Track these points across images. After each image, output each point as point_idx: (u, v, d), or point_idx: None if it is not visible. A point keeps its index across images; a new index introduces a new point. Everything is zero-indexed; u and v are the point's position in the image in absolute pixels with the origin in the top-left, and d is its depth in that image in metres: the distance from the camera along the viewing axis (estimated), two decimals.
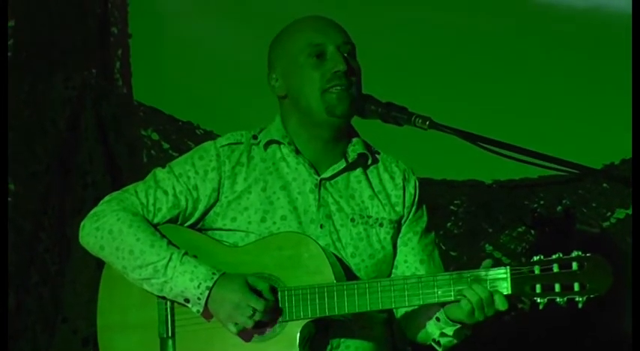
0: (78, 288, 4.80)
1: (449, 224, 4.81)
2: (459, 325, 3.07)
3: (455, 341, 3.14)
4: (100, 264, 3.28)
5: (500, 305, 2.98)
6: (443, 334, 3.12)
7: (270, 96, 3.33)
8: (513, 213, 4.82)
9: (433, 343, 3.18)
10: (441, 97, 4.74)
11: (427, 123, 3.08)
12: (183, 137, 4.94)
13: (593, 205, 4.76)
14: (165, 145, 4.99)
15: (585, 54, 4.78)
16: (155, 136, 5.01)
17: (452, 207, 4.83)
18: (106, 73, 5.05)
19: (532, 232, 4.78)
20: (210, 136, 4.65)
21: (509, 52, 4.84)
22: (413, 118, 3.10)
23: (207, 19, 5.07)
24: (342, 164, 3.25)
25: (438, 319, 3.11)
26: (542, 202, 4.82)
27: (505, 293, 2.98)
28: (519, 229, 4.81)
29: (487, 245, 4.83)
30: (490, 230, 4.84)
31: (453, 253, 4.76)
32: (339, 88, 3.16)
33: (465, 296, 2.98)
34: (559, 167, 2.97)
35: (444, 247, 3.30)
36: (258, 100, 3.68)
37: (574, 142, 4.61)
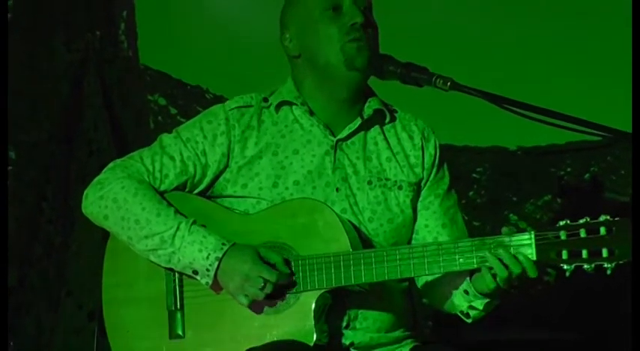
0: (83, 260, 4.83)
1: (471, 193, 4.82)
2: (488, 299, 3.08)
3: (484, 313, 3.14)
4: (105, 235, 3.28)
5: (531, 273, 2.97)
6: (472, 307, 3.13)
7: (283, 58, 3.33)
8: (539, 181, 4.82)
9: (461, 315, 3.18)
10: (463, 58, 4.74)
11: (449, 84, 3.04)
12: (192, 102, 4.96)
13: (622, 172, 4.77)
14: (173, 111, 5.02)
15: (620, 17, 4.75)
16: (162, 102, 5.03)
17: (474, 175, 4.84)
18: (111, 35, 5.05)
19: (558, 200, 4.80)
20: (220, 100, 4.55)
21: (539, 13, 4.83)
22: (434, 79, 3.06)
23: None
24: (357, 122, 3.24)
25: (466, 292, 3.10)
26: (569, 170, 4.83)
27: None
28: (545, 198, 4.82)
29: (511, 215, 4.83)
30: (515, 199, 4.83)
31: (475, 223, 4.78)
32: (357, 39, 3.17)
33: (487, 266, 2.97)
34: (589, 130, 2.94)
35: (466, 217, 3.32)
36: (270, 63, 3.68)
37: (603, 106, 4.59)
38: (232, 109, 3.26)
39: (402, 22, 4.66)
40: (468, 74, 3.28)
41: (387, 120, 3.29)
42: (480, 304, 3.10)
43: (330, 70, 3.20)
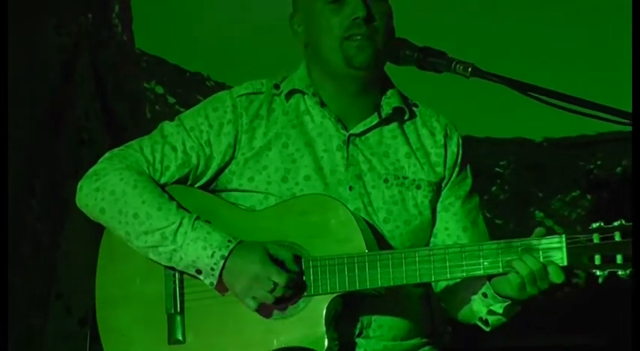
0: (74, 260, 4.79)
1: (494, 188, 4.80)
2: (509, 301, 3.00)
3: (504, 319, 3.07)
4: (98, 233, 3.23)
5: (556, 277, 2.90)
6: (491, 312, 3.06)
7: (291, 42, 3.26)
8: (567, 175, 4.78)
9: (479, 322, 3.11)
10: (485, 43, 4.70)
11: (469, 70, 2.98)
12: (192, 90, 4.95)
13: None
14: (171, 100, 5.00)
15: None
16: (159, 90, 5.02)
17: (497, 168, 4.81)
18: (104, 18, 5.02)
19: (588, 196, 4.75)
20: (222, 88, 4.59)
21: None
22: (453, 65, 3.01)
23: None
24: (374, 119, 3.19)
25: (484, 295, 3.03)
26: (599, 163, 4.80)
27: (560, 265, 2.90)
28: (573, 194, 4.78)
29: (537, 212, 4.80)
30: (540, 195, 4.80)
31: (498, 221, 4.73)
32: (358, 37, 3.10)
33: (513, 268, 2.90)
34: (621, 120, 2.85)
35: (488, 215, 3.33)
36: (276, 47, 3.65)
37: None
38: (241, 95, 3.22)
39: (417, 5, 4.59)
40: (488, 61, 3.19)
41: (407, 116, 3.23)
42: (499, 307, 3.02)
43: (332, 66, 3.15)
